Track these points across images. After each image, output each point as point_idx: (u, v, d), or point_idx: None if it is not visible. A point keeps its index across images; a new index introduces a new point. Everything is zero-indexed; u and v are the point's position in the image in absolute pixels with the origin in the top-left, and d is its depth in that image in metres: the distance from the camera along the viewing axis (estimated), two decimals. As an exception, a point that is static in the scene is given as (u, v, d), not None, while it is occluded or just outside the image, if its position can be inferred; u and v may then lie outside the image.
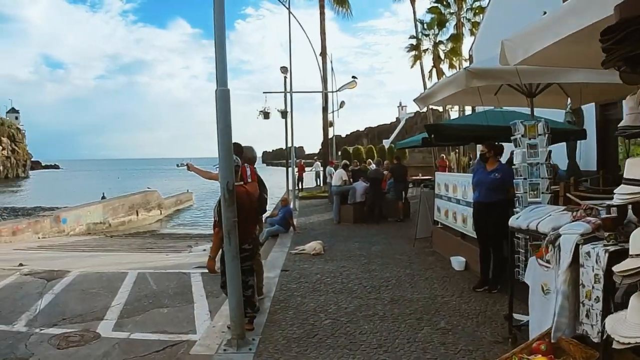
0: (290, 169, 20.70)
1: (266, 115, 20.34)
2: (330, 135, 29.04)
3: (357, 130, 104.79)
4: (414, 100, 9.99)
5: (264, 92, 20.39)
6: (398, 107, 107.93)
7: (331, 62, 29.73)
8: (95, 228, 25.59)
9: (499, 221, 6.85)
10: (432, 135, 10.81)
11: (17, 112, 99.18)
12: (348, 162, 17.27)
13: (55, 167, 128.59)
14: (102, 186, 56.21)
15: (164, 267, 11.77)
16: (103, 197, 33.79)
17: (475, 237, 7.82)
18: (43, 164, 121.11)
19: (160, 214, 34.73)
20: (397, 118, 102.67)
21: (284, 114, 19.77)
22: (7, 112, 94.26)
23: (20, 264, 11.60)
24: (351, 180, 16.33)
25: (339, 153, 36.25)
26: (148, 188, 39.74)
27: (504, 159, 9.12)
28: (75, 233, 23.80)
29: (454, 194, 9.34)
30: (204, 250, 14.07)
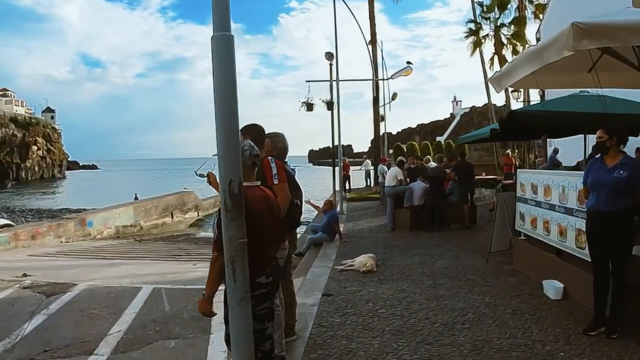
0: (337, 168, 19.23)
1: (309, 106, 18.93)
2: (381, 131, 27.45)
3: (408, 127, 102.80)
4: (490, 79, 8.54)
5: (307, 81, 19.05)
6: (452, 102, 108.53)
7: (382, 50, 28.19)
8: (125, 231, 24.91)
9: (624, 238, 5.22)
10: (505, 127, 9.21)
11: (53, 111, 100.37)
12: (404, 159, 15.60)
13: (93, 167, 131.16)
14: (139, 187, 56.52)
15: (186, 282, 10.50)
16: (135, 198, 33.21)
17: (583, 256, 6.16)
18: (81, 164, 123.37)
19: (198, 215, 34.04)
20: (451, 114, 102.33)
21: (329, 104, 18.33)
22: (42, 112, 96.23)
23: (24, 274, 10.73)
24: (407, 180, 14.71)
25: (390, 151, 34.64)
26: (185, 188, 39.22)
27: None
28: (103, 237, 23.23)
29: (546, 198, 7.64)
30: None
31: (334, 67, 18.26)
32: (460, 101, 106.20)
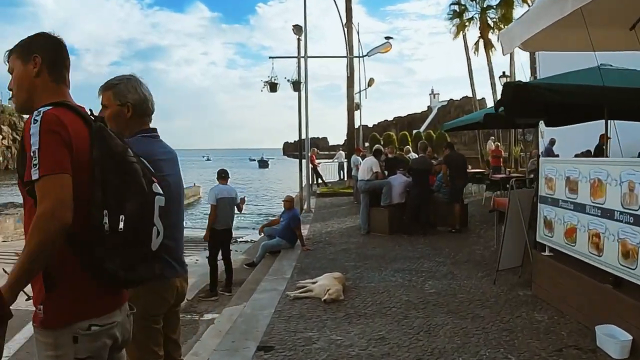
0: (304, 160, 16.53)
1: (272, 86, 16.13)
2: (356, 121, 24.88)
3: (385, 120, 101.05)
4: (499, 37, 7.02)
5: (270, 57, 16.21)
6: (430, 94, 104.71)
7: (358, 32, 25.53)
8: None
9: None
10: (509, 105, 6.68)
11: None
12: (381, 148, 12.79)
13: None
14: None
15: None
16: None
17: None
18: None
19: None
20: (428, 107, 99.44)
21: (296, 84, 15.62)
22: (9, 99, 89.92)
23: None
24: (385, 173, 12.03)
25: (367, 144, 32.21)
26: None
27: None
28: None
29: (596, 200, 5.02)
30: (197, 261, 10.87)
31: (302, 42, 15.60)
32: (438, 94, 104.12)
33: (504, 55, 6.69)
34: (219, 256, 8.89)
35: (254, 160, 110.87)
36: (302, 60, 15.67)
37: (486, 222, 12.36)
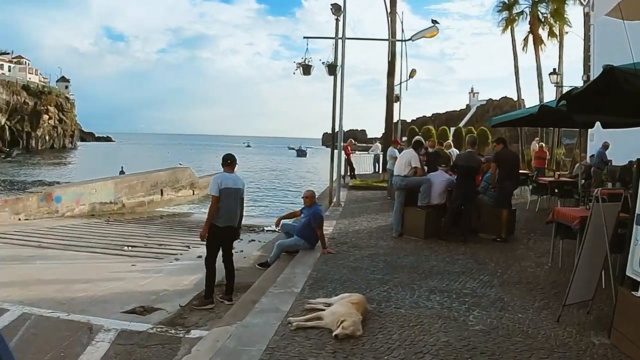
0: (337, 151, 14.86)
1: (306, 69, 14.47)
2: (396, 110, 23.03)
3: (423, 116, 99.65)
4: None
5: (305, 37, 14.55)
6: (469, 93, 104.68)
7: (402, 21, 23.64)
8: (103, 209, 21.22)
9: None
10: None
11: (68, 81, 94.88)
12: (422, 140, 10.83)
13: (108, 139, 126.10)
14: (146, 160, 52.76)
15: (80, 302, 7.09)
16: (121, 172, 29.40)
17: None
18: (96, 136, 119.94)
19: (193, 194, 30.07)
20: (467, 105, 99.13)
21: (331, 67, 13.95)
22: (57, 81, 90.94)
23: None
24: (425, 168, 10.33)
25: (404, 138, 30.40)
26: (180, 164, 35.52)
27: None
28: (73, 214, 19.45)
29: None
30: (199, 257, 9.31)
31: (340, 23, 13.90)
32: (477, 93, 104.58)
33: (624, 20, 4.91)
34: (219, 258, 7.33)
35: (293, 149, 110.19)
36: (340, 42, 14.01)
37: (534, 231, 10.67)
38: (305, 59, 14.39)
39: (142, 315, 6.47)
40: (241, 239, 14.30)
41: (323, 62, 14.30)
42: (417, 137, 10.77)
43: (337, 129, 14.31)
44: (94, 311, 6.53)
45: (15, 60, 79.52)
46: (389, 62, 20.33)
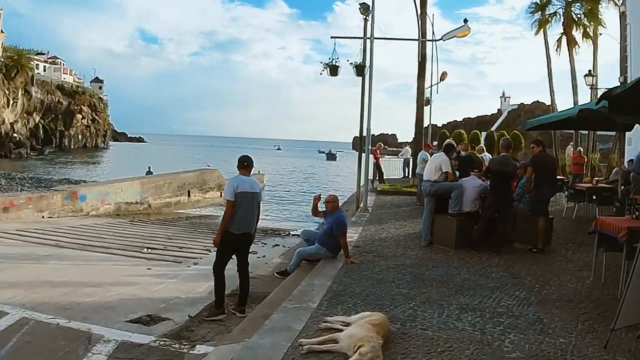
0: (365, 154, 14.29)
1: (333, 69, 13.88)
2: (426, 114, 22.28)
3: (454, 120, 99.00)
4: None
5: (332, 37, 13.97)
6: (501, 97, 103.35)
7: (432, 23, 22.90)
8: (129, 209, 21.06)
9: None
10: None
11: (101, 81, 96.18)
12: (453, 143, 10.08)
13: (140, 140, 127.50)
14: (175, 161, 52.97)
15: (85, 308, 6.75)
16: (149, 172, 29.33)
17: None
18: (129, 136, 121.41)
19: (220, 196, 29.83)
20: (498, 109, 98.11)
21: (359, 68, 13.38)
22: (90, 82, 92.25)
23: None
24: (457, 173, 9.73)
25: (434, 142, 29.63)
26: (208, 165, 35.41)
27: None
28: (98, 214, 19.37)
29: None
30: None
31: (369, 23, 13.35)
32: (509, 97, 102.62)
33: None
34: (233, 266, 6.87)
35: (323, 152, 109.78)
36: (368, 42, 13.44)
37: (572, 241, 9.98)
38: (333, 59, 13.85)
39: (147, 326, 6.03)
40: (264, 243, 14.04)
41: (351, 63, 13.77)
42: (448, 140, 10.12)
43: (365, 132, 13.74)
44: (97, 319, 6.12)
45: (50, 60, 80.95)
46: (419, 63, 19.67)
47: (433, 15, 21.30)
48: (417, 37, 19.87)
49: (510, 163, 9.04)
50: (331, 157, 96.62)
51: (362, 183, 14.52)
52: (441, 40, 14.62)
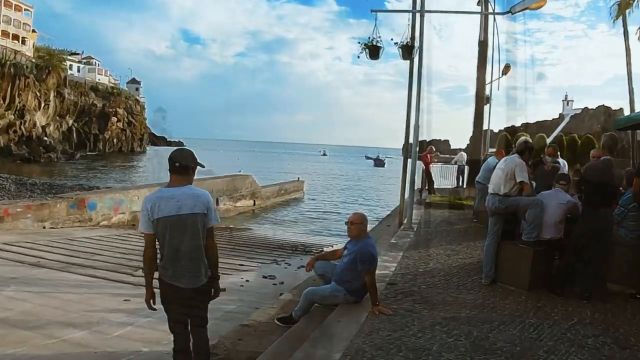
0: (411, 161, 11.96)
1: (373, 50, 11.56)
2: (485, 115, 19.72)
3: (512, 126, 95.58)
4: None
5: (372, 11, 11.68)
6: (563, 101, 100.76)
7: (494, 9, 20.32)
8: None
9: None
10: None
11: (138, 83, 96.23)
12: (531, 142, 7.21)
13: (179, 144, 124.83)
14: (212, 167, 51.65)
15: None
16: None
17: None
18: (168, 140, 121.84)
19: (254, 204, 28.36)
20: (560, 114, 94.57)
21: (407, 49, 11.10)
22: (127, 83, 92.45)
23: None
24: (533, 184, 7.27)
25: (491, 150, 26.98)
26: (240, 171, 33.99)
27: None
28: (111, 224, 18.19)
29: None
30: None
31: (417, -6, 11.20)
32: (572, 101, 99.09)
33: None
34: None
35: (370, 158, 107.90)
36: (418, 16, 11.26)
37: None
38: (374, 38, 11.62)
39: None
40: (288, 264, 12.14)
41: (395, 43, 11.55)
42: (523, 137, 7.64)
43: (412, 128, 11.48)
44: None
45: (84, 60, 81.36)
46: (479, 42, 17.20)
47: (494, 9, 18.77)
48: (478, 14, 17.53)
49: (616, 172, 6.53)
50: (379, 163, 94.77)
51: (406, 194, 12.29)
52: (510, 14, 12.20)
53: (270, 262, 12.50)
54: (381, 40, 11.70)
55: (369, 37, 11.63)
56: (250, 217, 26.17)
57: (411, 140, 11.53)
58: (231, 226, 21.35)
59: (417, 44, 11.32)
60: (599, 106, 78.26)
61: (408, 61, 11.72)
